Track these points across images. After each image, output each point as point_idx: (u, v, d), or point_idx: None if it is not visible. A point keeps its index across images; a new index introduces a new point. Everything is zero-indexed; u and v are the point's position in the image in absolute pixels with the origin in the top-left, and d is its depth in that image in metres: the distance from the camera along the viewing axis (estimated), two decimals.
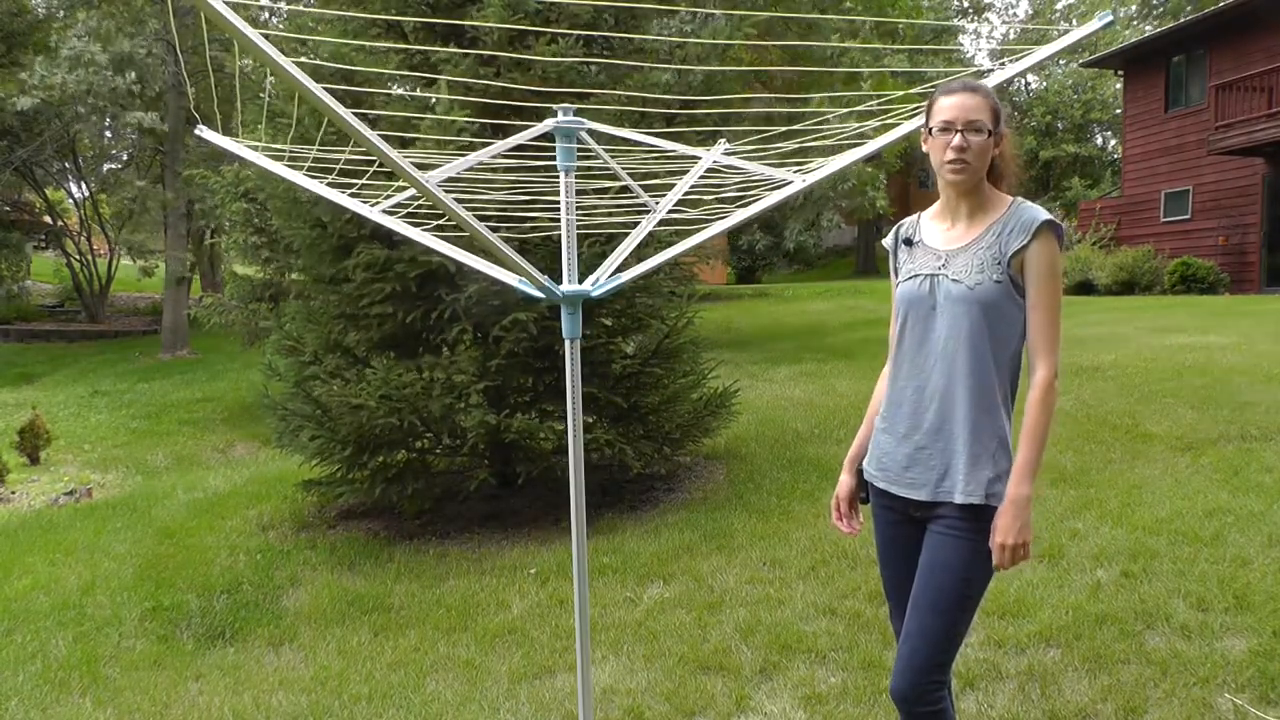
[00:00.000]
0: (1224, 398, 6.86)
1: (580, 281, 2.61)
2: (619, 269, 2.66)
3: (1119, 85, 25.28)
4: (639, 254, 2.98)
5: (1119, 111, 26.73)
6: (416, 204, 2.93)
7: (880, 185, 19.61)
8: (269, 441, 7.50)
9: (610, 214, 3.28)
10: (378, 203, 2.80)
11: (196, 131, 2.99)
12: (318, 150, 2.89)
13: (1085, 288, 18.81)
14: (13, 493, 7.83)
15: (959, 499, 2.08)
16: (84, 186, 24.14)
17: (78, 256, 22.99)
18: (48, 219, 24.37)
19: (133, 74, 16.36)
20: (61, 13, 19.35)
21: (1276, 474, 5.10)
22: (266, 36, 1.71)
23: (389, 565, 5.13)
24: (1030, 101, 36.19)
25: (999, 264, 2.06)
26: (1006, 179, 2.17)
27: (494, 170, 3.12)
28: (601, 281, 2.62)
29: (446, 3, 6.01)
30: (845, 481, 2.44)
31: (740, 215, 2.71)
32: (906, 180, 39.45)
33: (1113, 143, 35.36)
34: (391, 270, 5.39)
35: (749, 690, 3.34)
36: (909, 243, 2.24)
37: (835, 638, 3.66)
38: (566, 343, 2.65)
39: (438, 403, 5.22)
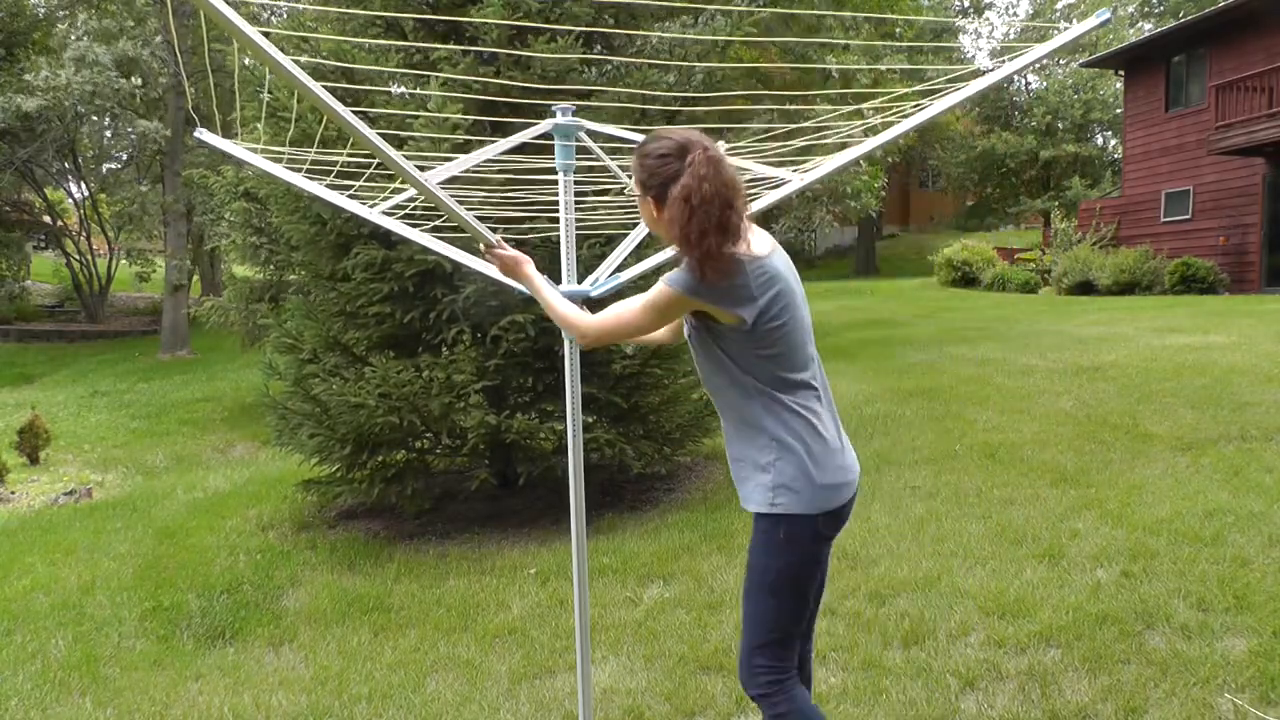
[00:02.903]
0: (1224, 398, 6.86)
1: (579, 282, 2.61)
2: (618, 269, 2.66)
3: (1119, 85, 25.29)
4: (638, 254, 2.98)
5: (1119, 111, 26.75)
6: (415, 205, 2.93)
7: (875, 189, 19.48)
8: (269, 441, 7.50)
9: (609, 213, 3.28)
10: (376, 204, 2.80)
11: (195, 134, 2.98)
12: (317, 151, 2.88)
13: (1085, 288, 18.81)
14: (12, 493, 7.83)
15: (749, 508, 2.30)
16: (84, 187, 24.13)
17: (77, 256, 22.98)
18: (47, 219, 24.35)
19: (137, 78, 16.38)
20: (61, 13, 19.35)
21: (1277, 474, 5.10)
22: (266, 35, 1.71)
23: (389, 565, 5.13)
24: (1030, 101, 36.17)
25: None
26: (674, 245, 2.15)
27: (493, 171, 3.12)
28: (601, 282, 2.62)
29: (447, 2, 6.01)
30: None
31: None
32: (906, 180, 39.47)
33: (1113, 143, 35.37)
34: (389, 270, 5.39)
35: None
36: None
37: (835, 638, 3.66)
38: (566, 343, 2.65)
39: (437, 402, 5.22)
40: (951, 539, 4.63)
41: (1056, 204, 27.96)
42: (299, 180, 2.77)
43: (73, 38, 16.05)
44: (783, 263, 2.20)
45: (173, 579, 5.09)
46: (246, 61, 7.04)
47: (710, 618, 3.99)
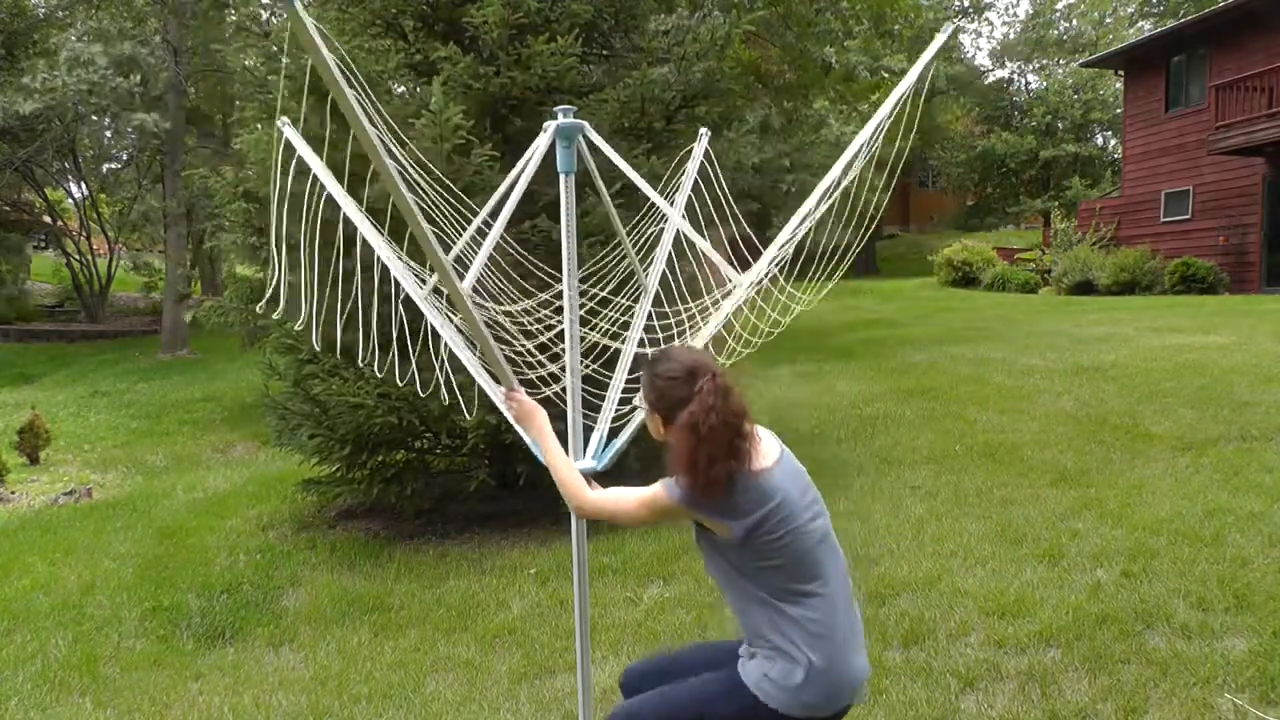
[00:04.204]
0: (1224, 398, 6.86)
1: (584, 448, 2.60)
2: (618, 420, 2.64)
3: (1119, 85, 25.28)
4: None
5: (1119, 111, 26.71)
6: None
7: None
8: (269, 441, 7.50)
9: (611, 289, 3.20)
10: (424, 282, 2.78)
11: (279, 124, 2.93)
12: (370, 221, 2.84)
13: (1085, 288, 18.80)
14: (13, 493, 7.83)
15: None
16: (84, 186, 24.12)
17: (78, 257, 22.96)
18: (47, 219, 24.34)
19: (137, 76, 16.36)
20: (61, 13, 19.34)
21: (1276, 474, 5.10)
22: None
23: (389, 565, 5.13)
24: (1030, 101, 36.16)
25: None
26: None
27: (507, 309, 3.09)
28: (601, 452, 2.62)
29: (447, 1, 6.01)
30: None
31: (707, 332, 2.71)
32: (906, 180, 39.45)
33: (1113, 143, 35.35)
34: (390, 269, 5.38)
35: None
36: None
37: None
38: (566, 343, 2.65)
39: (436, 402, 5.22)
40: (951, 539, 4.63)
41: (1056, 204, 27.95)
42: (363, 224, 2.75)
43: (71, 38, 16.02)
44: (786, 474, 2.15)
45: (173, 579, 5.09)
46: (248, 63, 7.04)
47: (710, 618, 3.99)
